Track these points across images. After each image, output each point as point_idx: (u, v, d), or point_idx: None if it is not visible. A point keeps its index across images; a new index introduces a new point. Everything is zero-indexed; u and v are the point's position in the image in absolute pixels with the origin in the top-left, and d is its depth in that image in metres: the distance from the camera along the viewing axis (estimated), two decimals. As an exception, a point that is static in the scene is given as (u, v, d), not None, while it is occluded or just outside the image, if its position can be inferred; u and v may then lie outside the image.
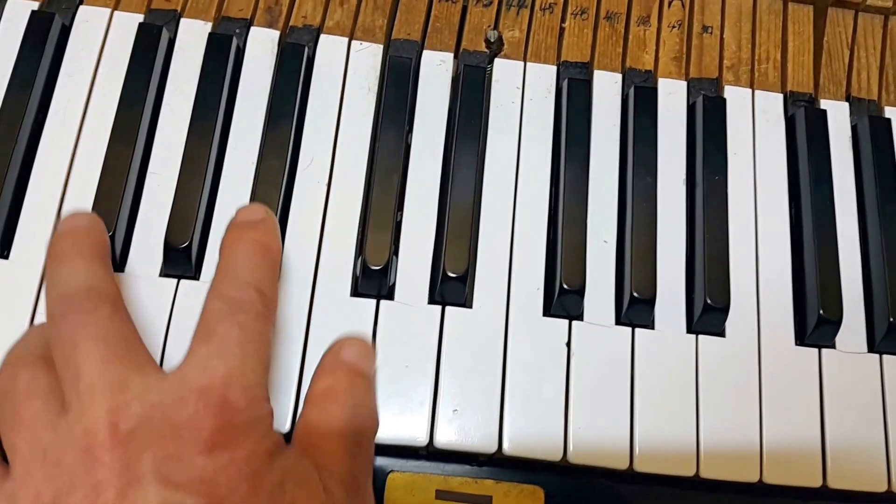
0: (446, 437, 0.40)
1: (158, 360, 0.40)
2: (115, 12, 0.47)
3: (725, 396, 0.42)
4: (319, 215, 0.43)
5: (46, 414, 0.32)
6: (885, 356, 0.44)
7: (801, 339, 0.44)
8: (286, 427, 0.39)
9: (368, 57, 0.47)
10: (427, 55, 0.48)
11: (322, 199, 0.44)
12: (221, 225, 0.42)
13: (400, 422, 0.40)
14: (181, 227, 0.41)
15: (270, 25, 0.48)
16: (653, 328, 0.43)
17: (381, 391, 0.40)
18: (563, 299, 0.42)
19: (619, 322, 0.43)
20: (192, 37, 0.47)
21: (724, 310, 0.42)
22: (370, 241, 0.42)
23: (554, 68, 0.48)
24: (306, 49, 0.46)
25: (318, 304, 0.41)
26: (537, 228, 0.44)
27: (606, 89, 0.48)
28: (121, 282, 0.41)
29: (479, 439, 0.40)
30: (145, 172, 0.43)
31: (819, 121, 0.48)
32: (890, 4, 0.52)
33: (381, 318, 0.41)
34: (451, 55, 0.48)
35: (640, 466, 0.40)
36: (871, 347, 0.44)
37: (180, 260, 0.41)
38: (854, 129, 0.49)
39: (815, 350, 0.43)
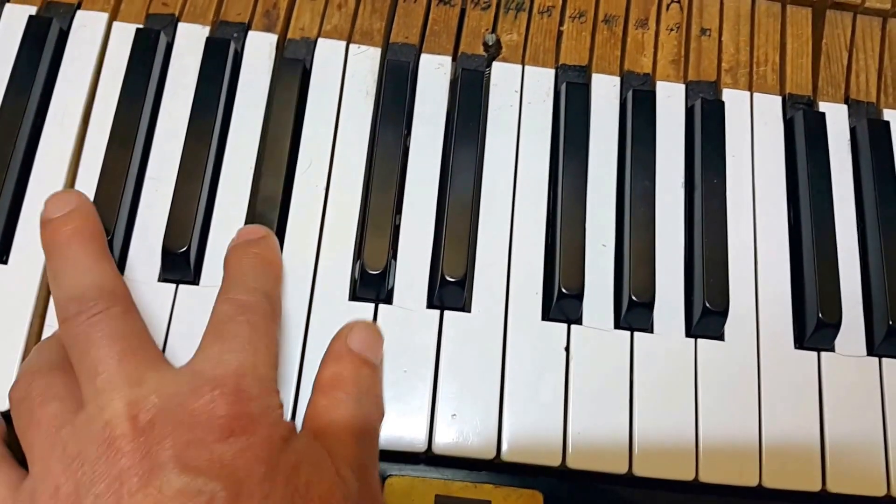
0: (445, 442, 0.40)
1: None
2: (113, 17, 0.47)
3: (724, 400, 0.42)
4: (318, 219, 0.43)
5: (63, 413, 0.33)
6: (884, 359, 0.44)
7: (801, 342, 0.44)
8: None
9: (366, 60, 0.47)
10: (425, 59, 0.48)
11: (320, 202, 0.44)
12: (220, 229, 0.42)
13: (399, 426, 0.40)
14: (179, 232, 0.41)
15: (268, 29, 0.48)
16: (652, 332, 0.43)
17: (379, 395, 0.40)
18: (562, 303, 0.42)
19: (617, 326, 0.43)
20: (190, 41, 0.46)
21: (723, 313, 0.42)
22: (368, 245, 0.42)
23: (552, 72, 0.48)
24: (304, 61, 0.47)
25: (317, 308, 0.41)
26: (536, 232, 0.44)
27: (605, 92, 0.48)
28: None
29: (478, 444, 0.40)
30: (143, 177, 0.43)
31: (818, 123, 0.48)
32: (888, 6, 0.52)
33: (379, 323, 0.41)
34: (449, 58, 0.48)
35: (639, 471, 0.40)
36: (871, 351, 0.44)
37: (179, 265, 0.41)
38: (853, 131, 0.49)
39: (815, 353, 0.43)
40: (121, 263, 0.41)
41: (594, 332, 0.42)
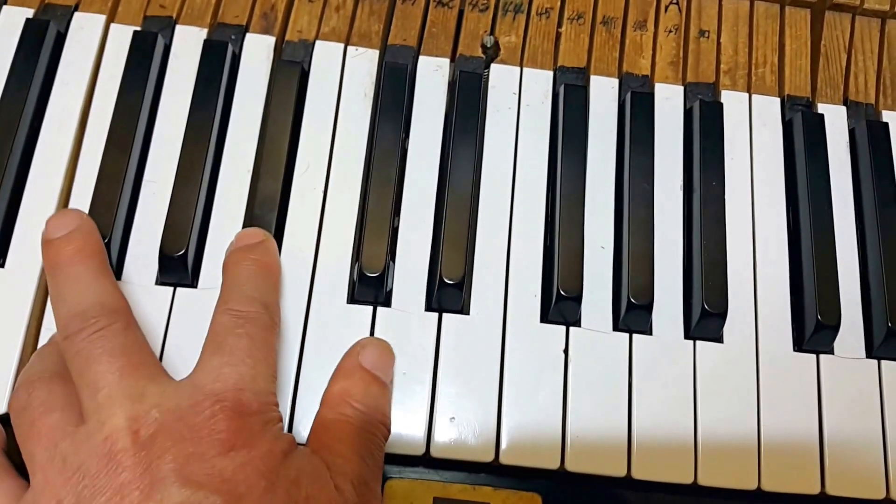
0: (444, 445, 0.40)
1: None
2: (111, 20, 0.47)
3: (723, 403, 0.42)
4: (316, 221, 0.43)
5: (64, 425, 0.33)
6: (883, 362, 0.43)
7: (800, 344, 0.44)
8: (283, 435, 0.39)
9: (365, 62, 0.47)
10: (423, 60, 0.48)
11: (318, 205, 0.44)
12: (218, 232, 0.42)
13: (397, 429, 0.40)
14: (177, 235, 0.41)
15: (266, 32, 0.47)
16: (650, 334, 0.43)
17: (378, 399, 0.40)
18: (561, 306, 0.42)
19: (616, 328, 0.43)
20: (188, 43, 0.46)
21: (722, 315, 0.42)
22: (367, 248, 0.42)
23: (550, 73, 0.48)
24: (302, 63, 0.46)
25: (315, 311, 0.41)
26: (534, 234, 0.44)
27: (603, 94, 0.48)
28: (117, 290, 0.41)
29: (477, 446, 0.40)
30: (141, 180, 0.43)
31: (816, 125, 0.48)
32: (887, 8, 0.51)
33: (377, 326, 0.41)
34: (447, 60, 0.48)
35: (637, 473, 0.40)
36: (870, 353, 0.44)
37: (176, 268, 0.41)
38: (852, 132, 0.49)
39: (814, 356, 0.43)
40: (118, 267, 0.41)
41: (593, 334, 0.42)
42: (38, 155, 0.43)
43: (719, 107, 0.48)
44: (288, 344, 0.40)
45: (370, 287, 0.41)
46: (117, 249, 0.41)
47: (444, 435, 0.40)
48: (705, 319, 0.42)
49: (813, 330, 0.43)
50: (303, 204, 0.43)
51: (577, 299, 0.42)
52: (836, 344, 0.43)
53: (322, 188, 0.44)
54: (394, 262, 0.43)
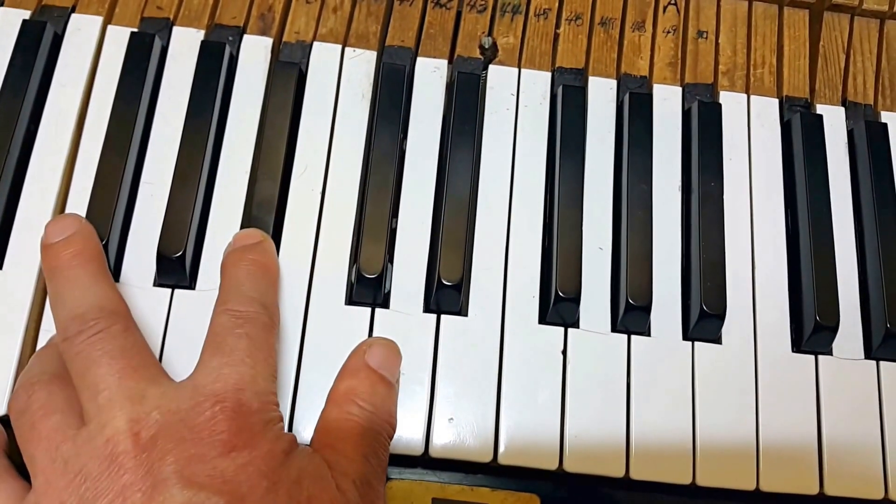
0: (442, 446, 0.40)
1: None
2: (108, 21, 0.47)
3: (722, 404, 0.42)
4: (314, 223, 0.43)
5: (65, 427, 0.33)
6: (882, 363, 0.43)
7: (798, 345, 0.44)
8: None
9: (362, 64, 0.47)
10: (421, 62, 0.48)
11: (316, 206, 0.43)
12: (215, 234, 0.42)
13: (396, 430, 0.39)
14: (175, 237, 0.41)
15: (263, 33, 0.47)
16: (649, 335, 0.43)
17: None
18: (559, 307, 0.42)
19: (614, 329, 0.43)
20: (185, 45, 0.46)
21: (721, 316, 0.42)
22: (365, 249, 0.42)
23: (549, 74, 0.48)
24: (299, 65, 0.46)
25: (313, 313, 0.41)
26: (532, 236, 0.44)
27: (601, 95, 0.48)
28: (114, 292, 0.41)
29: (475, 447, 0.40)
30: (139, 181, 0.43)
31: (815, 126, 0.48)
32: (886, 8, 0.51)
33: (376, 327, 0.41)
34: (445, 62, 0.48)
35: (636, 474, 0.40)
36: (868, 354, 0.44)
37: (174, 269, 0.41)
38: (850, 133, 0.49)
39: (812, 357, 0.43)
40: (116, 269, 0.41)
41: (591, 335, 0.42)
42: (35, 157, 0.43)
43: (718, 108, 0.48)
44: (287, 345, 0.40)
45: (368, 288, 0.41)
46: (115, 251, 0.41)
47: (443, 436, 0.40)
48: (704, 320, 0.42)
49: (811, 331, 0.43)
50: (301, 205, 0.43)
51: (576, 300, 0.42)
52: (835, 345, 0.43)
53: (320, 190, 0.44)
54: (392, 263, 0.43)
